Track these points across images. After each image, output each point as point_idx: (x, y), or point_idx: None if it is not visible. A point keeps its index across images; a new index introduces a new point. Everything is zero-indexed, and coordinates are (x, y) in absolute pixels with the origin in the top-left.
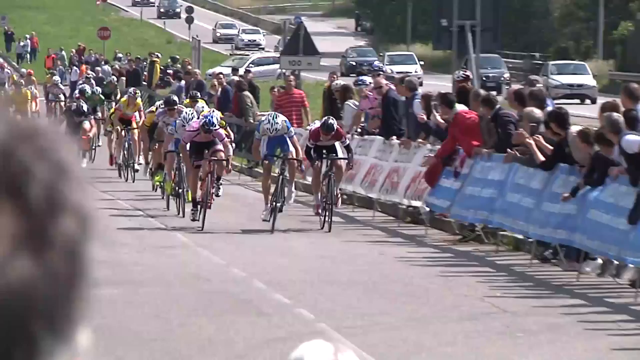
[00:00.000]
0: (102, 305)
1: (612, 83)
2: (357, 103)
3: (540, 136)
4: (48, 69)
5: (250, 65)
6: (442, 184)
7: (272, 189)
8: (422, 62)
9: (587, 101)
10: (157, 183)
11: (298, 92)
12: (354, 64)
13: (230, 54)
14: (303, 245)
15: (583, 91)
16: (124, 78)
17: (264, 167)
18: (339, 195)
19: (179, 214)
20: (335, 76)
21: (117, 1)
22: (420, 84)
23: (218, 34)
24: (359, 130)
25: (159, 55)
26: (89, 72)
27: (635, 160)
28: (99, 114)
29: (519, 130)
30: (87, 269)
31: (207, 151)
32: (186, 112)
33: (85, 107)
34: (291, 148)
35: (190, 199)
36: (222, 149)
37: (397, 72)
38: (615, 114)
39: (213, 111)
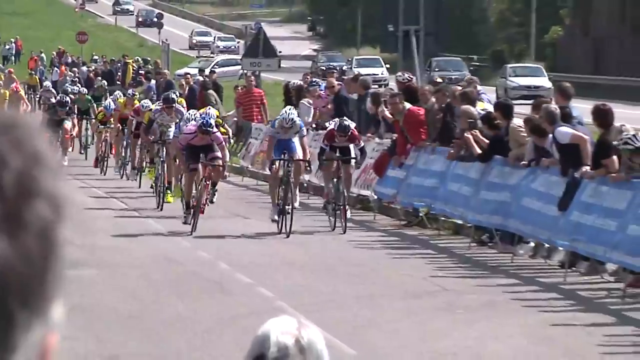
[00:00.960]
0: (80, 285)
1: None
2: (310, 101)
3: (477, 131)
4: (30, 70)
5: (215, 66)
6: (389, 174)
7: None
8: (387, 65)
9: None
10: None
11: (257, 91)
12: (324, 68)
13: (197, 57)
14: (265, 230)
15: (540, 92)
16: (99, 78)
17: (271, 173)
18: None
19: (157, 207)
20: (308, 77)
21: (95, 9)
22: (387, 85)
23: (194, 41)
24: (314, 125)
25: (138, 58)
26: (69, 72)
27: (566, 151)
28: (92, 115)
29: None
30: (60, 250)
31: (203, 155)
32: (189, 114)
33: (68, 100)
34: (298, 150)
35: (170, 199)
36: (220, 155)
37: (365, 74)
38: (552, 106)
39: (210, 108)
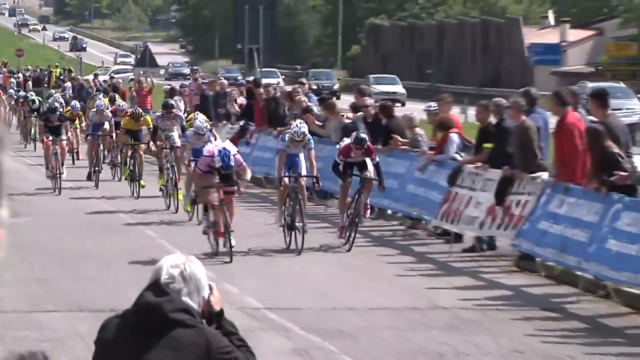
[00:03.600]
0: (19, 229)
1: (346, 85)
2: (181, 98)
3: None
4: None
5: (112, 73)
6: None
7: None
8: (339, 78)
9: (398, 104)
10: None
11: (147, 89)
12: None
13: (99, 66)
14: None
15: (396, 97)
16: (30, 82)
17: (279, 193)
18: (368, 206)
19: (133, 194)
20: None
21: (36, 34)
22: (240, 85)
23: (118, 61)
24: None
25: (63, 66)
26: (11, 79)
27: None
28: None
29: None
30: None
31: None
32: (199, 121)
33: (57, 106)
34: (303, 166)
35: (181, 197)
36: (235, 188)
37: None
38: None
39: (197, 114)
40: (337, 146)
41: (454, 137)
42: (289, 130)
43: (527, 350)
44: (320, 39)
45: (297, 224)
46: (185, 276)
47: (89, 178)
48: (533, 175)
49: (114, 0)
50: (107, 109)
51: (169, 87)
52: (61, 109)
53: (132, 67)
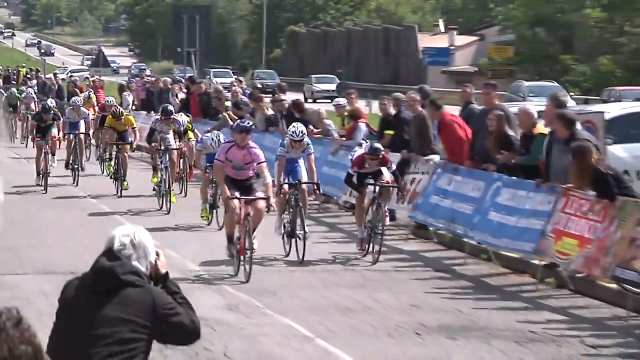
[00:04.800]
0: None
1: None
2: (129, 93)
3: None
4: None
5: (70, 72)
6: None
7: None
8: (282, 77)
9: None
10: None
11: (100, 87)
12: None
13: (58, 67)
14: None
15: (334, 94)
16: (0, 80)
17: (278, 200)
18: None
19: (117, 193)
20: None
21: (15, 42)
22: (178, 81)
23: (85, 63)
24: (133, 107)
25: (27, 66)
26: None
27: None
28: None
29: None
30: None
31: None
32: (214, 135)
33: (50, 105)
34: (303, 172)
35: (174, 199)
36: (263, 195)
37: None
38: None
39: (181, 115)
40: (350, 157)
41: (362, 126)
42: (287, 133)
43: (422, 304)
44: (247, 43)
45: (297, 232)
46: (134, 244)
47: (66, 167)
48: (427, 157)
49: (72, 10)
50: (82, 106)
51: (120, 83)
52: (54, 109)
53: (87, 67)
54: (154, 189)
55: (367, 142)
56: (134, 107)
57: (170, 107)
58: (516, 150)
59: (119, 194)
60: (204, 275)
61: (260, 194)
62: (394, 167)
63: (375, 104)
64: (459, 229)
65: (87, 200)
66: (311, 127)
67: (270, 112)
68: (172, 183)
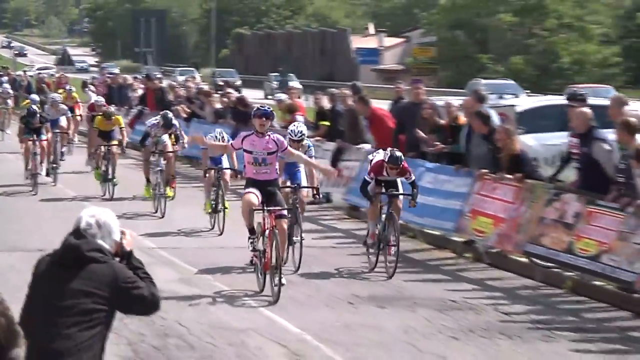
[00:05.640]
0: None
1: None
2: (93, 89)
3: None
4: None
5: (38, 69)
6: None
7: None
8: (240, 77)
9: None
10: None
11: (65, 82)
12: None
13: (27, 65)
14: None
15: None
16: None
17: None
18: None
19: (104, 195)
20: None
21: None
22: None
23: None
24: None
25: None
26: None
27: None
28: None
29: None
30: None
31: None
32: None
33: (36, 109)
34: (303, 177)
35: (170, 193)
36: (285, 211)
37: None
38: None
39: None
40: (367, 161)
41: (300, 118)
42: (286, 133)
43: (355, 277)
44: (198, 44)
45: (294, 238)
46: (99, 224)
47: (47, 174)
48: (358, 146)
49: (40, 13)
50: (61, 102)
51: (83, 80)
52: (40, 112)
53: (54, 65)
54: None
55: (388, 151)
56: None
57: (171, 115)
58: (446, 139)
59: (106, 195)
60: (159, 252)
61: (284, 212)
62: (413, 177)
63: (312, 99)
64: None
65: (76, 202)
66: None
67: (218, 105)
68: (167, 185)
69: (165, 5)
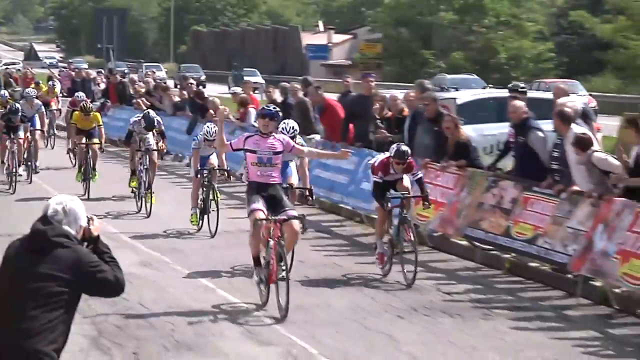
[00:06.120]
0: None
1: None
2: (57, 82)
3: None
4: None
5: (4, 64)
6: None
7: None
8: (175, 70)
9: (257, 91)
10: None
11: (30, 77)
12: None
13: None
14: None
15: (257, 85)
16: None
17: None
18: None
19: (84, 194)
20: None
21: None
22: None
23: (47, 62)
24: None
25: None
26: None
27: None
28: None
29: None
30: None
31: (271, 206)
32: (208, 126)
33: (18, 107)
34: (294, 175)
35: (154, 200)
36: (295, 211)
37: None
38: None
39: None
40: (369, 162)
41: (252, 110)
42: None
43: (307, 260)
44: (157, 41)
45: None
46: (66, 210)
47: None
48: (309, 136)
49: (7, 12)
50: (37, 97)
51: (49, 75)
52: (22, 110)
53: (21, 61)
54: (132, 192)
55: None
56: (62, 94)
57: (152, 114)
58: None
59: (86, 195)
60: (121, 236)
61: (293, 212)
62: (420, 174)
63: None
64: (336, 197)
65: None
66: (210, 111)
67: (176, 98)
68: (152, 184)
69: (126, 4)
